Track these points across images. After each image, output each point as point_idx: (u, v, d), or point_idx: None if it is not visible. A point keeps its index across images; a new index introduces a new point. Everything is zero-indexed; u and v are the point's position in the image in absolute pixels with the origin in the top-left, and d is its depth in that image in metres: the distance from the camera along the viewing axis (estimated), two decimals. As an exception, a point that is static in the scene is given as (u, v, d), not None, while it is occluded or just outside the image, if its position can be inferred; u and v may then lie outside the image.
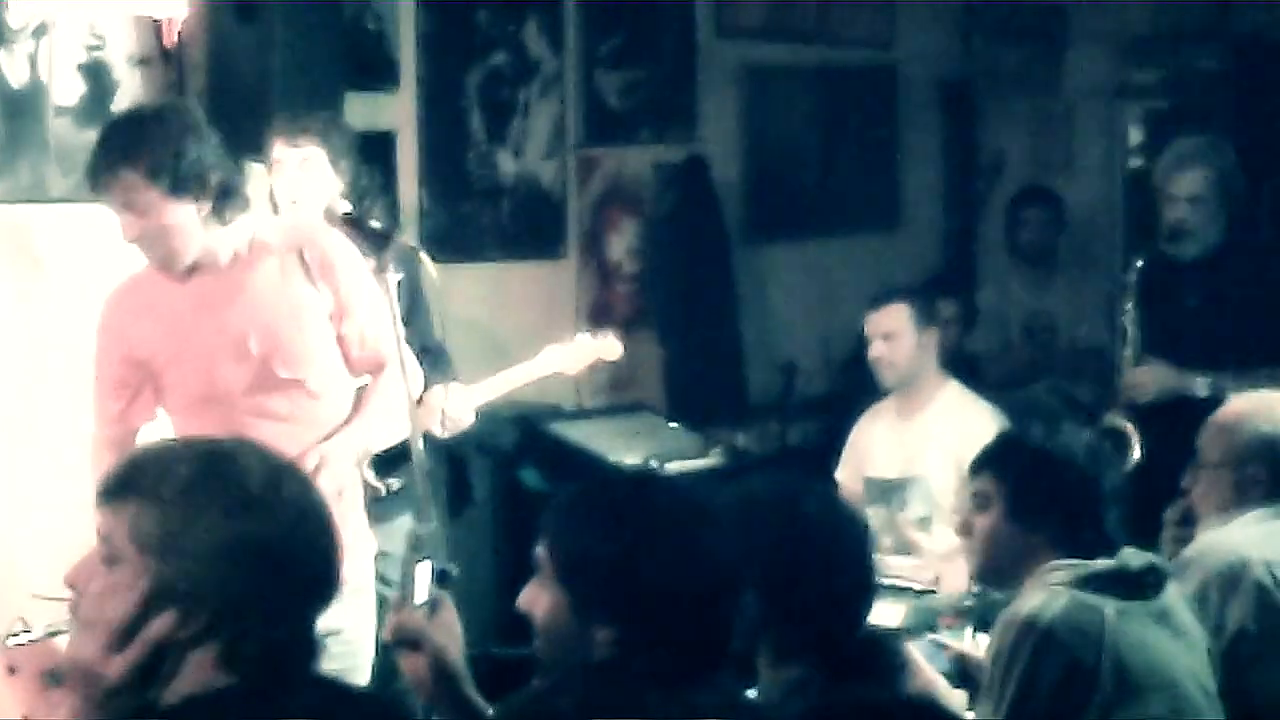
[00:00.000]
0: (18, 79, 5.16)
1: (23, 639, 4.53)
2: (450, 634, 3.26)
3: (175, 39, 5.49)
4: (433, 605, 3.28)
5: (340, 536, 2.46)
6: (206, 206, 4.18)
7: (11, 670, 4.55)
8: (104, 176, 4.15)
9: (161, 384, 4.36)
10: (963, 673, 3.89)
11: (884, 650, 3.30)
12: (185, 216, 4.16)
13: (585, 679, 2.73)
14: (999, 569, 3.70)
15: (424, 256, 4.95)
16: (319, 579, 2.42)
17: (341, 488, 4.27)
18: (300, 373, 4.32)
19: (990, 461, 3.70)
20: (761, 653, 3.16)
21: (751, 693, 3.10)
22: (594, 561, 2.74)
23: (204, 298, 4.29)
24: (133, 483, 2.40)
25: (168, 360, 4.32)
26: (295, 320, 4.32)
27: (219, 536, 2.34)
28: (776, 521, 3.16)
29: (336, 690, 2.54)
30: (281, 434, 4.14)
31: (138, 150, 4.11)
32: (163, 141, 4.12)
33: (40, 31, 5.20)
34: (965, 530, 3.74)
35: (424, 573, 3.34)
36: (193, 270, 4.27)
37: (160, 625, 2.35)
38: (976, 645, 4.12)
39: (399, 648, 3.23)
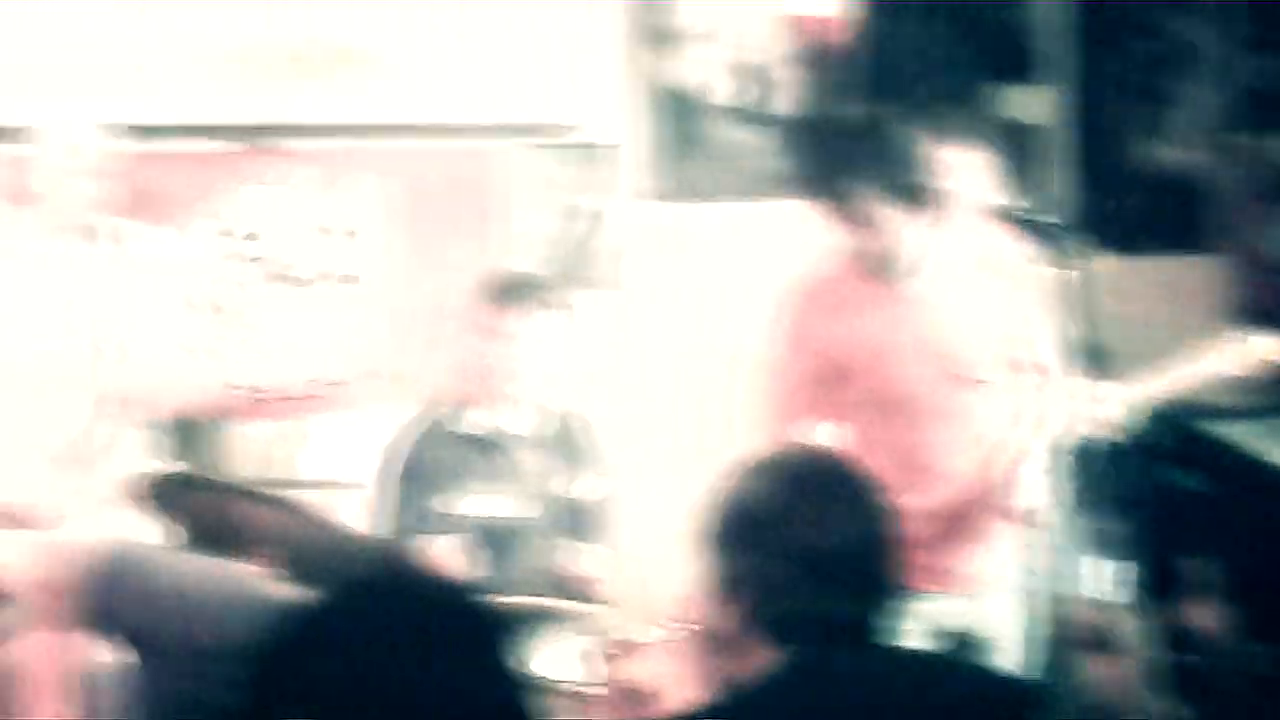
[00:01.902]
0: (683, 80, 5.31)
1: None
2: (1141, 638, 3.18)
3: (830, 38, 5.55)
4: (1119, 608, 3.21)
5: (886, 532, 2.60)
6: (926, 217, 4.17)
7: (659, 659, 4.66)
8: (838, 188, 4.11)
9: (848, 386, 4.31)
10: None
11: None
12: (909, 230, 4.16)
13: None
14: None
15: (1081, 251, 4.86)
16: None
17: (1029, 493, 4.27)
18: (979, 375, 4.30)
19: None
20: None
21: None
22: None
23: (902, 300, 4.26)
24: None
25: (861, 363, 4.29)
26: (978, 322, 4.30)
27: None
28: None
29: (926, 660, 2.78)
30: (956, 436, 4.21)
31: (877, 165, 4.09)
32: (900, 157, 4.10)
33: (702, 35, 5.34)
34: None
35: (1105, 571, 3.27)
36: (892, 273, 4.25)
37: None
38: None
39: (1085, 648, 3.17)
